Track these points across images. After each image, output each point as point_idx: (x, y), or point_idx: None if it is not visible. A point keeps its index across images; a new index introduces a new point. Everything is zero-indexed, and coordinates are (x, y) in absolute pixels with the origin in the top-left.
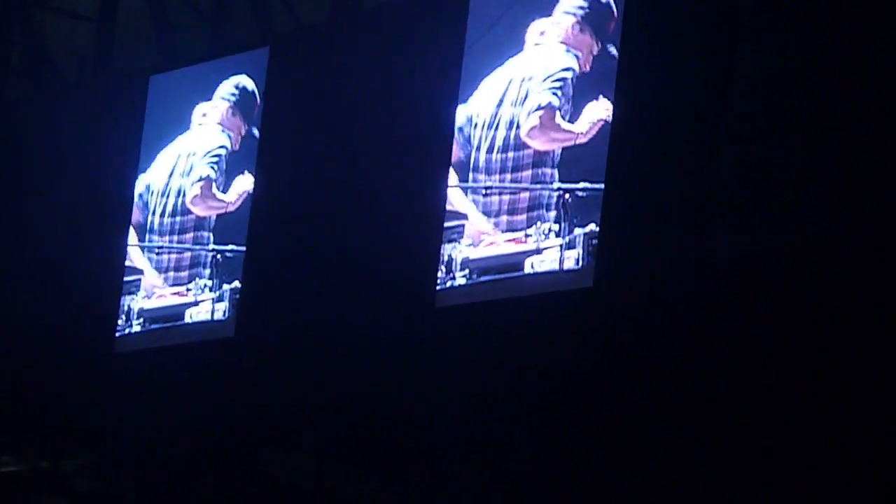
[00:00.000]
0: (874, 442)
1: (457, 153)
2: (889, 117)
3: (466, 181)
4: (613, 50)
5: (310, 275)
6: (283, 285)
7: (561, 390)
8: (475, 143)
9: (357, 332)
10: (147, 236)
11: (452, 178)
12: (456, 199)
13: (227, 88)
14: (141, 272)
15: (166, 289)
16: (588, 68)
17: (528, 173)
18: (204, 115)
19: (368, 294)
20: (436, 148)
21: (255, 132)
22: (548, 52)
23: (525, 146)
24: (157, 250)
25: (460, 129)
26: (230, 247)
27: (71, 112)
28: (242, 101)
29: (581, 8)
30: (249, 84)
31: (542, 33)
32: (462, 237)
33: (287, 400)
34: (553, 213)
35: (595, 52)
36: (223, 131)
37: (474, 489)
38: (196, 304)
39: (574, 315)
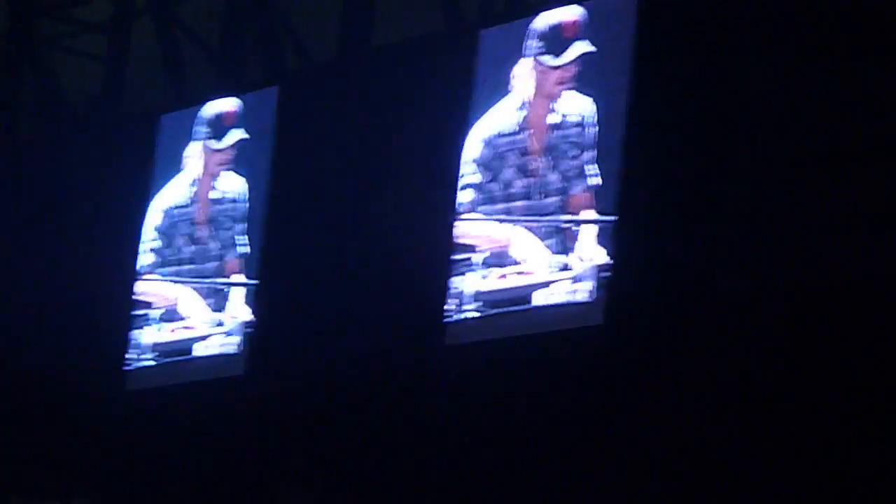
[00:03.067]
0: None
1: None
2: None
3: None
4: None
5: (321, 311)
6: (294, 321)
7: (570, 427)
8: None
9: (367, 368)
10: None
11: (468, 207)
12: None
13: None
14: (149, 305)
15: (206, 315)
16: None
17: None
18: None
19: (379, 330)
20: (445, 182)
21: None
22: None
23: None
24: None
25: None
26: (242, 280)
27: (81, 150)
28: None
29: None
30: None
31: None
32: (470, 269)
33: (297, 437)
34: (562, 246)
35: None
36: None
37: None
38: (205, 338)
39: (584, 351)
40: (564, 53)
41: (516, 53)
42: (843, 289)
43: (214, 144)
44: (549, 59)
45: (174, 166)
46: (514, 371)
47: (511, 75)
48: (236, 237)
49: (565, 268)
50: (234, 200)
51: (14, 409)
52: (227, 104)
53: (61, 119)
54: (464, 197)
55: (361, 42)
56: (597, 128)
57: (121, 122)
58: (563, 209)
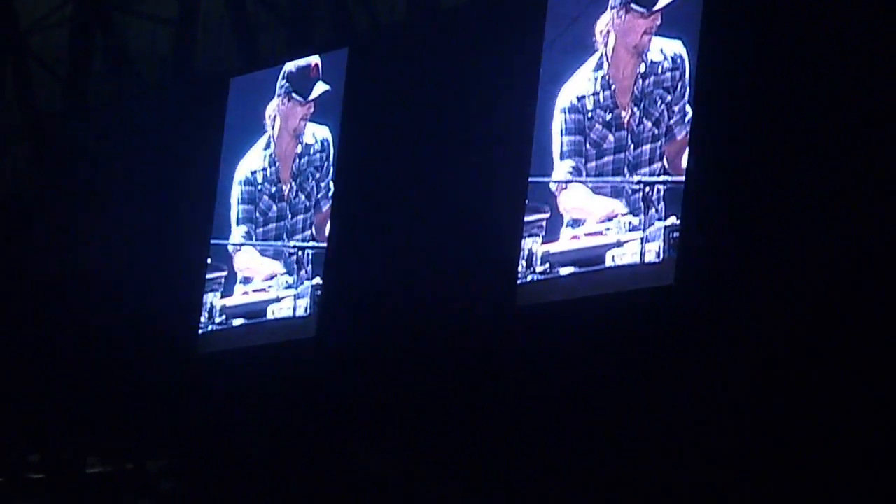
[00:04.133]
0: None
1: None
2: None
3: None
4: None
5: (391, 273)
6: (363, 284)
7: (639, 389)
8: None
9: (438, 329)
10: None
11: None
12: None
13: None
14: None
15: (280, 277)
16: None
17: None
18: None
19: (450, 290)
20: (515, 142)
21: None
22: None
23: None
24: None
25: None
26: (311, 244)
27: (152, 114)
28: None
29: None
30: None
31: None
32: (542, 231)
33: (369, 399)
34: (633, 206)
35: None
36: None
37: (559, 488)
38: (278, 300)
39: (656, 312)
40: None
41: (586, 12)
42: None
43: (300, 98)
44: (636, 7)
45: (245, 129)
46: (586, 332)
47: (590, 32)
48: (328, 184)
49: (636, 228)
50: (321, 150)
51: (89, 372)
52: (309, 59)
53: (132, 83)
54: (560, 169)
55: (430, 3)
56: (690, 68)
57: (192, 85)
58: (660, 157)
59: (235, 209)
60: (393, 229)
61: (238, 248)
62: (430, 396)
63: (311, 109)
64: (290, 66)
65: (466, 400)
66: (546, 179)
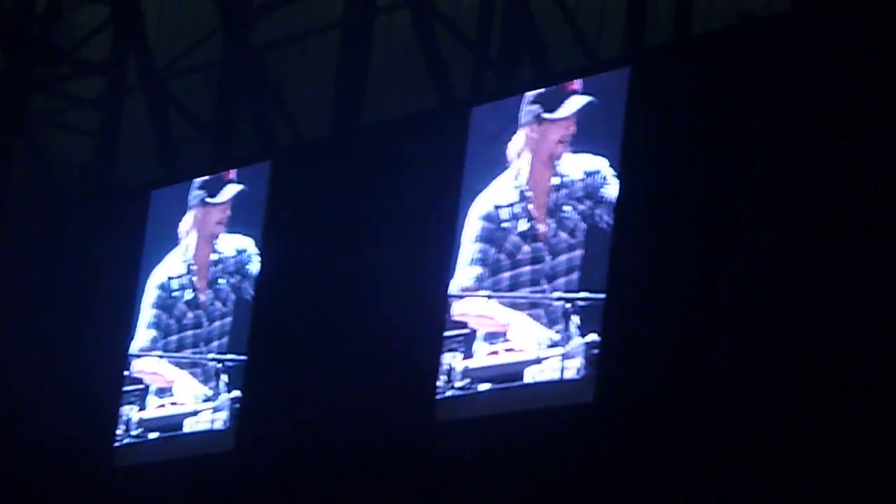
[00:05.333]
0: None
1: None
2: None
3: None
4: None
5: (311, 385)
6: (283, 396)
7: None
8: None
9: (356, 443)
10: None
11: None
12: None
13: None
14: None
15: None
16: None
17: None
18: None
19: (370, 404)
20: (436, 259)
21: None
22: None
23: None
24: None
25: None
26: (230, 356)
27: (73, 225)
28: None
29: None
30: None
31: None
32: (462, 346)
33: None
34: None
35: None
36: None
37: None
38: (195, 413)
39: (575, 429)
40: (563, 107)
41: (507, 130)
42: (839, 370)
43: (212, 200)
44: (547, 115)
45: (165, 241)
46: (505, 448)
47: (506, 150)
48: (244, 292)
49: (555, 344)
50: (237, 257)
51: (4, 481)
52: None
53: (53, 194)
54: (467, 275)
55: (353, 119)
56: (603, 180)
57: (113, 197)
58: (578, 267)
59: (146, 313)
60: (313, 340)
61: (144, 354)
62: None
63: (227, 213)
64: (202, 178)
65: None
66: (468, 294)
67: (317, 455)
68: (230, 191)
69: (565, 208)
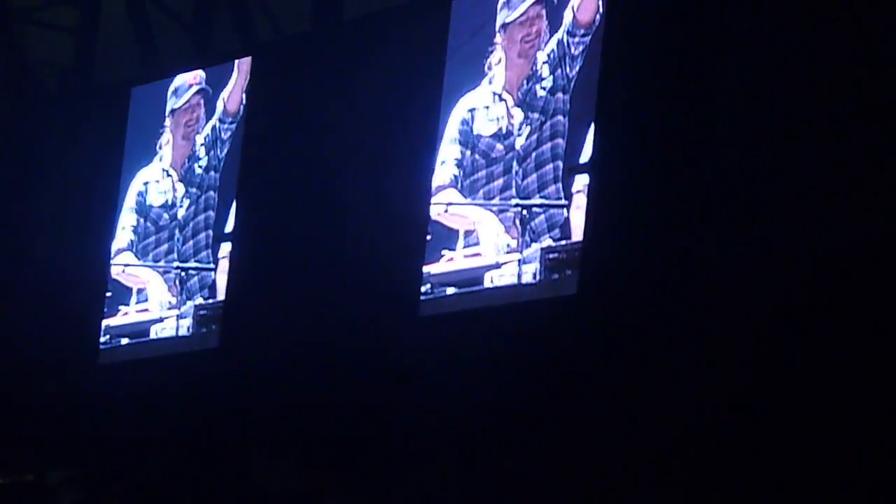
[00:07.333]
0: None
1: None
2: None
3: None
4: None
5: (294, 283)
6: (267, 294)
7: (545, 396)
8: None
9: (341, 339)
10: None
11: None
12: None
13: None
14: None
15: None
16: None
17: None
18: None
19: (352, 302)
20: (416, 156)
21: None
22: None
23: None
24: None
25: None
26: (193, 263)
27: (52, 125)
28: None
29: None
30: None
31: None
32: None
33: (272, 408)
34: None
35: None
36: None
37: (458, 496)
38: (160, 320)
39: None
40: (520, 5)
41: (490, 23)
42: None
43: (175, 104)
44: (510, 18)
45: (145, 140)
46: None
47: (492, 41)
48: (215, 180)
49: (514, 250)
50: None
51: None
52: (191, 75)
53: (31, 93)
54: (442, 175)
55: (334, 13)
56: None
57: (91, 95)
58: (556, 158)
59: (126, 217)
60: (295, 240)
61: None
62: (333, 404)
63: (196, 113)
64: (176, 81)
65: (370, 407)
66: (457, 202)
67: (300, 351)
68: (190, 92)
69: (538, 94)
